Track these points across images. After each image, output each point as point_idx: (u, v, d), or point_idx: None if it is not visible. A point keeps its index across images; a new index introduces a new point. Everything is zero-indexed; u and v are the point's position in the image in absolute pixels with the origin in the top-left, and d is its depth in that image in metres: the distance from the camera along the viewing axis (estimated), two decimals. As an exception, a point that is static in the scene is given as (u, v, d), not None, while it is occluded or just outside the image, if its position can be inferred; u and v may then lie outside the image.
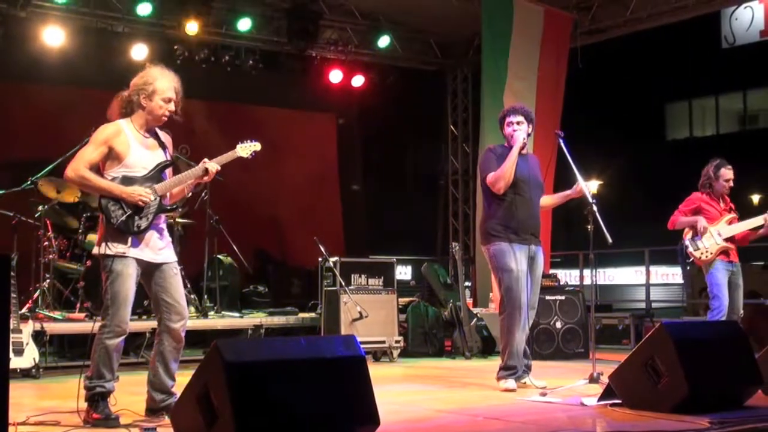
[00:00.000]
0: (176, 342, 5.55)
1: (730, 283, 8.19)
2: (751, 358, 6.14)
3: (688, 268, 8.81)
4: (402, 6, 13.26)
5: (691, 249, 8.27)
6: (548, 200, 7.65)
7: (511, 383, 7.03)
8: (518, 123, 7.23)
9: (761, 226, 8.23)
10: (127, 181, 5.44)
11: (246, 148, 5.83)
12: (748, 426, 5.15)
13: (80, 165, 5.38)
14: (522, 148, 7.15)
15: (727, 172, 8.36)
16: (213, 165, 5.65)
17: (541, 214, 7.51)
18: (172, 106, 5.59)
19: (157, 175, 5.57)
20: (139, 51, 12.00)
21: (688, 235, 8.34)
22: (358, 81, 14.06)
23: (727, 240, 8.20)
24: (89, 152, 5.43)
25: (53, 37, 11.48)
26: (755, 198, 28.06)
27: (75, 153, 5.59)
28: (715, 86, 31.64)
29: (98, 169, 5.46)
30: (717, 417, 5.20)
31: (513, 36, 12.18)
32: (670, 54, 28.17)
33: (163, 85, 5.55)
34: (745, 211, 8.50)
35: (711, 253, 8.17)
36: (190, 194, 6.15)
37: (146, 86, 5.53)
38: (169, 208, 5.70)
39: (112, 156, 5.44)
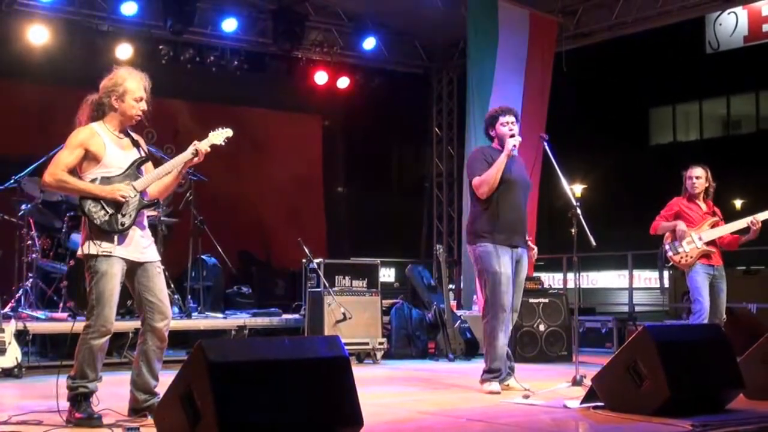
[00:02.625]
0: (160, 341, 5.55)
1: (713, 287, 8.21)
2: (733, 361, 6.18)
3: (670, 272, 8.83)
4: (387, 9, 13.27)
5: (671, 253, 8.30)
6: None
7: (495, 386, 7.04)
8: (512, 123, 7.26)
9: (747, 230, 8.24)
10: (105, 181, 5.45)
11: (218, 135, 5.81)
12: (729, 429, 5.18)
13: (57, 169, 5.39)
14: (510, 154, 7.14)
15: (691, 170, 8.40)
16: (203, 144, 5.66)
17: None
18: (143, 105, 5.60)
19: (133, 172, 5.57)
20: (123, 50, 11.97)
21: (669, 239, 8.37)
22: (343, 83, 14.06)
23: (708, 244, 8.23)
24: (65, 156, 5.43)
25: (37, 35, 11.44)
26: (738, 203, 28.19)
27: (51, 159, 5.58)
28: (698, 91, 31.77)
29: (76, 172, 5.47)
30: (699, 420, 5.23)
31: (500, 40, 12.20)
32: (654, 59, 28.30)
33: (133, 85, 5.56)
34: (727, 216, 8.53)
35: (691, 257, 8.19)
36: (183, 182, 6.13)
37: (117, 87, 5.54)
38: (149, 203, 5.69)
39: (88, 158, 5.45)
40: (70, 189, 5.48)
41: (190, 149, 5.66)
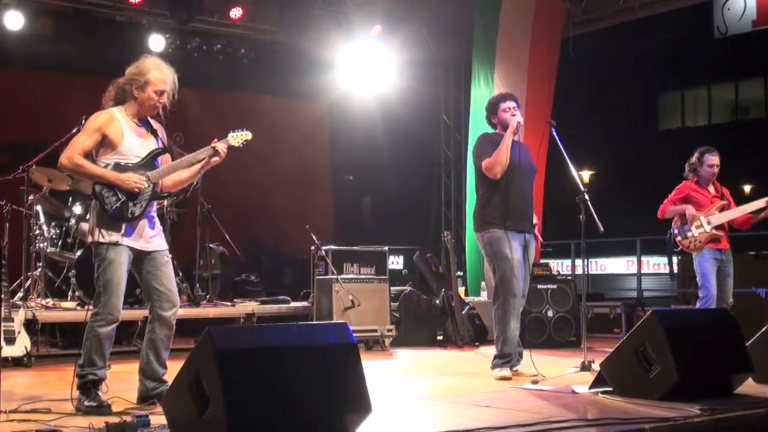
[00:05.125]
0: (167, 329, 5.57)
1: (720, 271, 8.20)
2: (742, 345, 6.17)
3: (679, 258, 8.81)
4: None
5: (679, 237, 8.30)
6: None
7: (506, 372, 7.06)
8: (514, 109, 7.27)
9: (762, 210, 8.22)
10: (120, 168, 5.46)
11: (237, 137, 5.82)
12: (738, 413, 5.17)
13: (74, 152, 5.40)
14: (515, 131, 7.16)
15: (712, 158, 8.38)
16: (222, 145, 5.66)
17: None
18: (164, 99, 5.61)
19: (149, 162, 5.58)
20: (130, 39, 11.96)
21: (677, 224, 8.36)
22: (349, 70, 14.00)
23: (717, 228, 8.21)
24: (83, 139, 5.45)
25: (43, 25, 11.45)
26: (747, 188, 28.13)
27: (67, 141, 5.60)
28: (707, 77, 31.69)
29: (91, 156, 5.48)
30: (707, 404, 5.22)
31: (500, 24, 12.22)
32: (662, 44, 28.20)
33: (156, 76, 5.56)
34: (736, 201, 8.51)
35: (700, 242, 8.18)
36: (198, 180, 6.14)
37: (139, 77, 5.55)
38: (163, 195, 5.72)
39: (105, 143, 5.46)
40: (86, 173, 5.48)
41: (209, 149, 5.65)
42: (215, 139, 5.71)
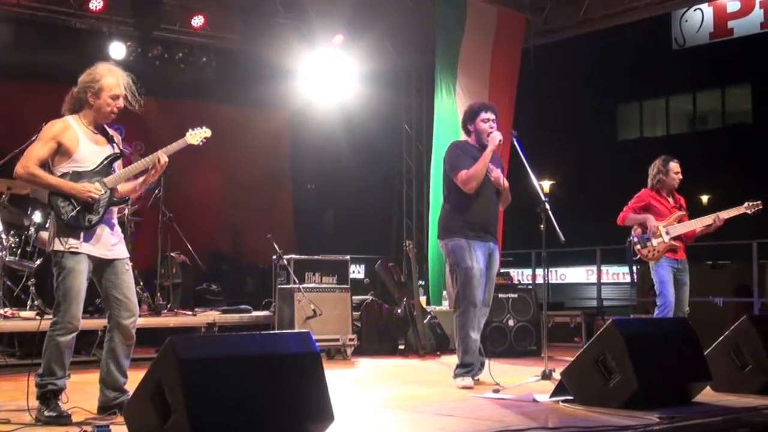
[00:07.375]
0: (127, 339, 5.53)
1: (676, 280, 8.29)
2: (700, 354, 6.25)
3: (638, 267, 8.89)
4: (356, 5, 13.25)
5: (639, 246, 8.39)
6: None
7: (468, 381, 7.08)
8: (493, 120, 7.29)
9: (710, 225, 8.33)
10: (77, 176, 5.43)
11: (196, 135, 5.80)
12: (696, 421, 5.24)
13: (30, 162, 5.36)
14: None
15: (676, 166, 8.50)
16: (162, 156, 5.62)
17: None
18: (120, 103, 5.59)
19: (106, 168, 5.56)
20: (91, 47, 11.88)
21: (637, 232, 8.44)
22: (311, 79, 14.00)
23: (674, 238, 8.30)
24: (38, 149, 5.41)
25: (3, 30, 11.34)
26: (704, 198, 28.45)
27: (24, 150, 5.55)
28: (665, 87, 32.02)
29: (47, 165, 5.43)
30: (666, 412, 5.28)
31: (464, 35, 12.27)
32: (621, 55, 28.47)
33: (110, 81, 5.54)
34: (694, 211, 8.61)
35: (658, 251, 8.27)
36: (142, 191, 6.10)
37: (93, 83, 5.52)
38: (119, 200, 5.67)
39: (61, 151, 5.43)
40: (41, 183, 5.44)
41: (152, 156, 5.62)
42: (160, 150, 5.66)
